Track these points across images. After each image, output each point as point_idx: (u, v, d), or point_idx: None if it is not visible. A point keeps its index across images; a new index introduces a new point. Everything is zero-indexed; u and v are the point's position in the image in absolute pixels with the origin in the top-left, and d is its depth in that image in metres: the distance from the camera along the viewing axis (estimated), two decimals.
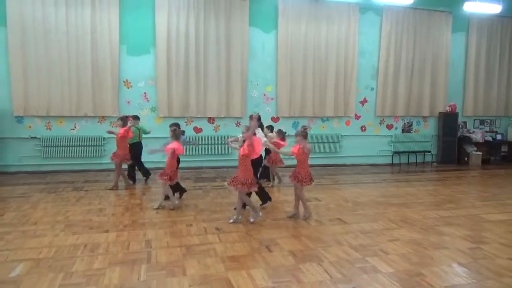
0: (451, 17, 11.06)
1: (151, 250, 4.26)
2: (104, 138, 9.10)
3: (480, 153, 11.33)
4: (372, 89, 10.83)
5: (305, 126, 5.66)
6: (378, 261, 4.07)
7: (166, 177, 5.88)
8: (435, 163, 11.34)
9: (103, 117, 9.14)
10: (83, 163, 9.10)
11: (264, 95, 10.08)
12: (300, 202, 5.56)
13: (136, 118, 7.91)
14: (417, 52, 10.91)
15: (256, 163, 5.52)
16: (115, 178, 7.34)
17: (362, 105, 10.82)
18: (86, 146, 9.03)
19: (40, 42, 8.54)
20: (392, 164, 11.08)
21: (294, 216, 5.55)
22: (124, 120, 7.43)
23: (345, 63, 10.38)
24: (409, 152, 11.20)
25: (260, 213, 5.44)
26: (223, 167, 9.84)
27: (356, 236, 4.84)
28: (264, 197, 6.12)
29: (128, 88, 9.22)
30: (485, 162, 11.42)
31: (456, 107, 11.26)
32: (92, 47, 8.80)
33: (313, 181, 5.46)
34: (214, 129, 9.85)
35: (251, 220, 5.31)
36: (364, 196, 7.08)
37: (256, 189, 5.41)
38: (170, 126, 6.56)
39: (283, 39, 9.89)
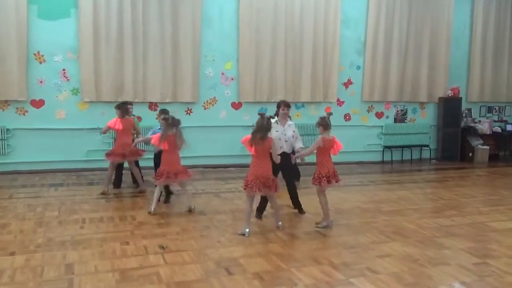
0: None
1: (73, 277, 4.16)
2: (8, 129, 8.77)
3: (487, 147, 11.84)
4: (358, 67, 11.05)
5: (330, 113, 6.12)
6: (365, 282, 4.16)
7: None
8: (434, 160, 11.74)
9: (6, 101, 8.79)
10: None
11: (222, 74, 10.04)
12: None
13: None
14: (413, 23, 11.23)
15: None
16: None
17: (346, 87, 11.02)
18: None
19: None
20: (383, 162, 11.37)
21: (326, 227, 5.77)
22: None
23: (325, 34, 10.51)
24: (403, 147, 11.53)
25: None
26: None
27: (338, 252, 4.94)
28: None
29: (40, 63, 8.90)
30: (493, 158, 11.92)
31: (459, 91, 11.65)
32: None
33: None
34: (156, 118, 9.67)
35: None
36: (348, 202, 7.23)
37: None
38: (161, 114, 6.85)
39: (247, 2, 9.87)
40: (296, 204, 6.47)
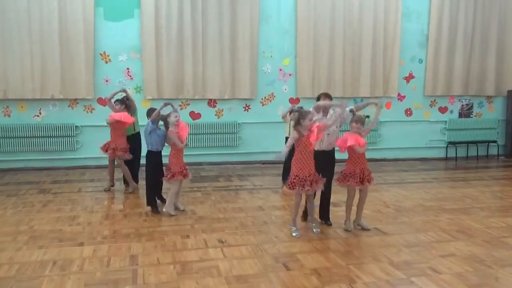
0: None
1: (137, 268, 4.32)
2: (77, 126, 9.22)
3: None
4: (420, 61, 10.74)
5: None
6: (427, 282, 4.06)
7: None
8: (503, 157, 11.27)
9: (75, 99, 9.23)
10: (50, 159, 9.24)
11: (280, 70, 10.06)
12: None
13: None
14: (480, 12, 10.76)
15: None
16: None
17: (407, 82, 10.74)
18: (54, 137, 9.14)
19: None
20: (446, 158, 11.03)
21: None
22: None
23: (385, 28, 10.29)
24: (468, 143, 11.13)
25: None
26: (228, 162, 9.89)
27: (398, 251, 4.84)
28: None
29: (106, 62, 9.28)
30: None
31: None
32: (59, 10, 8.84)
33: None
34: (216, 115, 9.88)
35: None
36: (410, 199, 7.07)
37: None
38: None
39: None
40: (326, 211, 5.77)
